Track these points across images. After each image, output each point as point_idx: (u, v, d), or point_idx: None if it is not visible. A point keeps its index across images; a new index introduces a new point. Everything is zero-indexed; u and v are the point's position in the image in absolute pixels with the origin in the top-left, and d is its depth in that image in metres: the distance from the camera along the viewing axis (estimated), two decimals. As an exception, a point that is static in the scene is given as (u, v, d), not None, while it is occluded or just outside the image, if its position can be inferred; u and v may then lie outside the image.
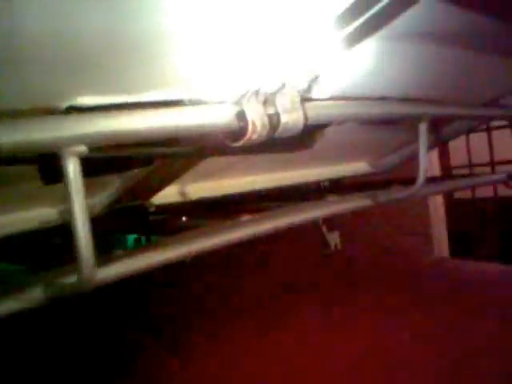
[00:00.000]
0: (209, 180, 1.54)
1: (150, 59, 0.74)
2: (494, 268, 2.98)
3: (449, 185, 1.91)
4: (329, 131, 1.48)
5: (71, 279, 0.74)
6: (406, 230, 3.81)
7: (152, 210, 1.40)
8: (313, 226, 2.94)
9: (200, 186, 1.52)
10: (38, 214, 1.17)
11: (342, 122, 1.05)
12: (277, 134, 0.87)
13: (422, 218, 3.84)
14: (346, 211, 1.26)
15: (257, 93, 0.79)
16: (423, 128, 1.22)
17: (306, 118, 0.90)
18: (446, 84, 1.34)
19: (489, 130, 3.54)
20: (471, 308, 2.23)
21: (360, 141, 1.69)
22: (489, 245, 3.67)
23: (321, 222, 2.91)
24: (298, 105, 0.87)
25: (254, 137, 0.81)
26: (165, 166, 1.15)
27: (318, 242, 3.12)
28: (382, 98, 1.13)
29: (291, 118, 0.86)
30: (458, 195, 4.10)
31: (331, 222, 3.06)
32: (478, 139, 3.65)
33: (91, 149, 0.66)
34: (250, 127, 0.79)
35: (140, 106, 0.76)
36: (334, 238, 2.96)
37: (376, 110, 1.08)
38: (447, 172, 3.76)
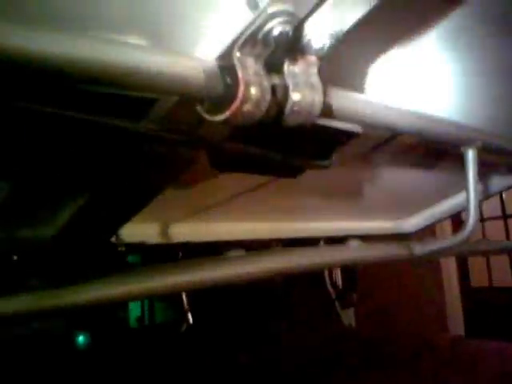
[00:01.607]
0: (198, 220, 1.24)
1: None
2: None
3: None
4: (351, 170, 1.21)
5: None
6: (422, 306, 3.67)
7: (121, 249, 1.09)
8: (325, 303, 2.65)
9: (186, 228, 1.23)
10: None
11: (372, 127, 0.77)
12: (282, 118, 0.59)
13: (438, 297, 3.78)
14: (371, 261, 0.96)
15: (254, 40, 0.52)
16: (472, 155, 0.93)
17: (325, 105, 0.63)
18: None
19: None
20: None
21: (390, 188, 1.40)
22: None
23: (334, 295, 2.58)
24: (316, 81, 0.60)
25: (247, 108, 0.53)
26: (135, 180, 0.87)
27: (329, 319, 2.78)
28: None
29: (305, 96, 0.59)
30: (475, 284, 3.91)
31: (345, 299, 2.77)
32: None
33: None
34: (240, 88, 0.52)
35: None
36: (348, 316, 2.60)
37: (419, 123, 0.80)
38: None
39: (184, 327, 2.37)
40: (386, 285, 3.63)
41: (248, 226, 1.34)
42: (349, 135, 0.79)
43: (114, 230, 1.03)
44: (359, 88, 0.78)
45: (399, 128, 0.75)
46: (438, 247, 1.00)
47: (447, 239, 1.00)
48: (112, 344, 2.71)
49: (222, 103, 0.53)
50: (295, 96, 0.58)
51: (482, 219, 3.89)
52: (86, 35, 0.47)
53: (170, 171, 0.73)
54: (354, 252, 0.94)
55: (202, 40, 0.54)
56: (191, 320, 2.35)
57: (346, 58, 0.71)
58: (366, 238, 1.45)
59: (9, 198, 0.90)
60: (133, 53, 0.48)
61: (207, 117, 0.54)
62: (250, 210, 1.29)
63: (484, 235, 3.79)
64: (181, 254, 1.29)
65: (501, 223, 3.86)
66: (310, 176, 1.00)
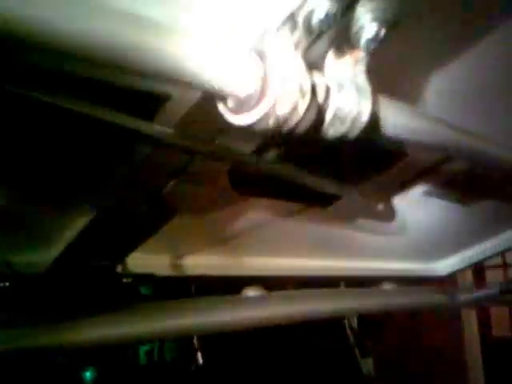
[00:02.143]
0: (213, 253, 1.12)
1: None
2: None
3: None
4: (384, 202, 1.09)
5: None
6: (441, 354, 3.43)
7: (127, 280, 0.98)
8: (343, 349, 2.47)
9: (200, 260, 1.11)
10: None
11: (426, 147, 0.65)
12: (322, 127, 0.48)
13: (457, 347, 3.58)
14: (407, 307, 0.82)
15: (293, 23, 0.42)
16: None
17: (374, 115, 0.52)
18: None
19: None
20: None
21: (423, 225, 1.27)
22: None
23: (354, 343, 2.40)
24: (364, 83, 0.49)
25: (281, 110, 0.42)
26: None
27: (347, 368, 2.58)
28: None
29: (350, 101, 0.48)
30: (496, 333, 3.73)
31: (365, 347, 2.59)
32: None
33: None
34: (274, 82, 0.41)
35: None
36: (367, 365, 2.42)
37: (482, 146, 0.67)
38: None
39: (194, 366, 2.22)
40: (404, 330, 3.44)
41: (268, 261, 1.22)
42: (396, 156, 0.67)
43: (120, 258, 0.92)
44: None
45: (459, 150, 0.64)
46: (485, 294, 0.87)
47: (495, 285, 0.86)
48: (120, 381, 2.55)
49: (250, 102, 0.43)
50: (339, 100, 0.48)
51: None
52: None
53: (184, 190, 0.62)
54: (389, 297, 0.81)
55: (231, 24, 0.44)
56: (201, 360, 2.19)
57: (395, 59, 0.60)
58: (396, 281, 1.31)
59: (4, 217, 0.80)
60: (137, 27, 0.37)
61: (230, 118, 0.44)
62: (270, 243, 1.17)
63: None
64: (194, 288, 1.17)
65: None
66: (340, 206, 0.88)
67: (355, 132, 0.50)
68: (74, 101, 0.41)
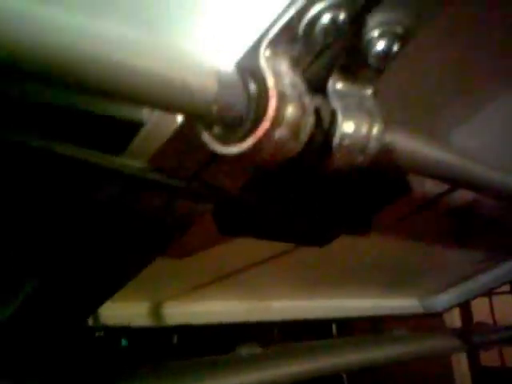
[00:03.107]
0: (195, 299, 1.02)
1: None
2: None
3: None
4: (379, 237, 1.02)
5: None
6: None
7: (99, 334, 0.87)
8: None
9: (181, 308, 1.00)
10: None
11: (433, 177, 0.58)
12: (328, 156, 0.40)
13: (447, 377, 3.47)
14: (420, 355, 0.73)
15: (292, 33, 0.35)
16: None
17: (386, 142, 0.44)
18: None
19: None
20: None
21: (417, 259, 1.20)
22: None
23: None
24: (373, 106, 0.42)
25: (281, 135, 0.34)
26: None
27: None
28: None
29: (360, 127, 0.40)
30: (485, 362, 3.65)
31: None
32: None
33: None
34: (271, 102, 0.33)
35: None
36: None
37: (491, 176, 0.60)
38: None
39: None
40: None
41: (256, 306, 1.12)
42: (400, 191, 0.60)
43: (90, 310, 0.81)
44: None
45: (470, 181, 0.57)
46: (500, 336, 0.79)
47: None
48: None
49: (242, 128, 0.35)
50: (346, 125, 0.40)
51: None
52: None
53: (161, 235, 0.53)
54: (400, 346, 0.73)
55: (216, 34, 0.36)
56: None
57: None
58: (400, 324, 1.23)
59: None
60: (102, 40, 0.29)
61: (217, 147, 0.35)
62: (259, 286, 1.08)
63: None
64: (176, 339, 1.06)
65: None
66: (333, 244, 0.80)
67: (365, 161, 0.43)
68: (17, 132, 0.32)
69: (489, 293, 3.54)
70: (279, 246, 0.90)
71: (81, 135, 0.35)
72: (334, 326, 1.59)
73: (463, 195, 0.83)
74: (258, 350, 0.62)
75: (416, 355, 0.75)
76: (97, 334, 0.87)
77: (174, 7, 0.36)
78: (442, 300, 1.51)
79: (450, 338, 0.79)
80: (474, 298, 1.46)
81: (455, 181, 0.59)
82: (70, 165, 0.38)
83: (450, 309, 1.52)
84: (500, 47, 0.56)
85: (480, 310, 3.43)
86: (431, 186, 0.80)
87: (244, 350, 0.62)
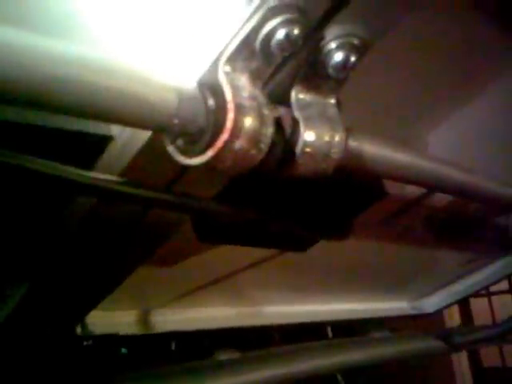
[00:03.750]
0: (184, 306, 1.03)
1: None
2: None
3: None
4: (363, 241, 1.04)
5: None
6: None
7: (88, 343, 0.88)
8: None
9: (170, 315, 1.02)
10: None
11: (408, 182, 0.59)
12: (291, 164, 0.42)
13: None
14: (401, 356, 0.75)
15: (249, 49, 0.36)
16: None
17: (348, 150, 0.46)
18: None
19: None
20: None
21: (405, 261, 1.22)
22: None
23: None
24: (335, 115, 0.44)
25: (240, 145, 0.36)
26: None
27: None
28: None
29: (321, 135, 0.42)
30: (487, 363, 3.65)
31: None
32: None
33: None
34: (229, 115, 0.35)
35: None
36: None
37: (467, 179, 0.62)
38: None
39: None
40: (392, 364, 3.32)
41: (245, 311, 1.13)
42: (376, 195, 0.62)
43: (77, 317, 0.82)
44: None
45: (442, 184, 0.58)
46: (483, 336, 0.80)
47: (495, 326, 0.80)
48: None
49: (203, 140, 0.36)
50: (308, 134, 0.42)
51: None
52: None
53: (139, 243, 0.54)
54: (380, 347, 0.74)
55: (178, 52, 0.38)
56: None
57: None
58: (384, 324, 1.24)
59: None
60: (66, 60, 0.31)
61: (181, 160, 0.37)
62: (246, 291, 1.09)
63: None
64: (164, 347, 1.07)
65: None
66: (319, 248, 0.82)
67: (329, 168, 0.44)
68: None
69: (487, 292, 3.55)
70: (265, 252, 0.92)
71: (53, 151, 0.36)
72: (329, 329, 1.60)
73: (444, 196, 0.85)
74: (236, 354, 0.63)
75: (395, 357, 0.76)
76: (85, 343, 0.88)
77: (137, 25, 0.38)
78: (431, 301, 1.53)
79: (431, 340, 0.80)
80: (463, 299, 1.48)
81: (426, 184, 0.61)
82: (44, 179, 0.40)
83: (440, 310, 1.54)
84: (462, 59, 0.58)
85: (481, 308, 3.44)
86: (412, 189, 0.81)
87: (221, 355, 0.63)
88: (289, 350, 0.69)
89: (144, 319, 0.98)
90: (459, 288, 1.48)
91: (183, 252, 0.86)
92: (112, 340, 0.90)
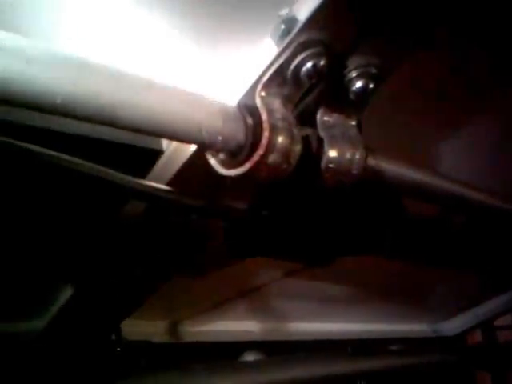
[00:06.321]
0: (210, 318, 1.09)
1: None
2: None
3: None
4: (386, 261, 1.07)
5: None
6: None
7: (118, 349, 0.93)
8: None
9: (197, 326, 1.07)
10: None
11: (429, 200, 0.64)
12: (318, 177, 0.48)
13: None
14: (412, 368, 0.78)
15: (282, 77, 0.43)
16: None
17: (368, 167, 0.52)
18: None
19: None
20: None
21: (429, 284, 1.24)
22: None
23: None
24: (355, 135, 0.50)
25: (273, 159, 0.42)
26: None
27: None
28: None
29: (343, 152, 0.48)
30: None
31: None
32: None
33: None
34: (265, 134, 0.41)
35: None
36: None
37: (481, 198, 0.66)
38: None
39: None
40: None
41: (268, 326, 1.18)
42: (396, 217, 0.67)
43: (113, 325, 0.88)
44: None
45: (460, 204, 0.63)
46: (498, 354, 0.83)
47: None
48: None
49: (241, 154, 0.43)
50: (332, 151, 0.48)
51: None
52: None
53: (184, 251, 0.60)
54: (399, 358, 0.78)
55: (222, 79, 0.45)
56: None
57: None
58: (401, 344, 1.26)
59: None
60: (130, 85, 0.38)
61: (222, 171, 0.43)
62: (271, 306, 1.14)
63: None
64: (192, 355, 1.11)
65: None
66: (342, 265, 0.86)
67: (352, 181, 0.50)
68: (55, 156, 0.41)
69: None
70: (290, 267, 0.96)
71: (114, 161, 0.43)
72: (349, 349, 1.62)
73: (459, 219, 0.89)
74: (261, 356, 0.67)
75: (407, 368, 0.79)
76: (118, 349, 0.94)
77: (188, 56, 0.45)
78: (452, 324, 1.54)
79: (442, 356, 0.83)
80: (485, 322, 1.49)
81: (443, 203, 0.65)
82: (100, 185, 0.46)
83: (461, 333, 1.55)
84: (474, 80, 0.63)
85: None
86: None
87: (248, 356, 0.68)
88: (312, 355, 0.73)
89: (174, 329, 1.03)
90: (481, 311, 1.49)
91: (213, 265, 0.91)
92: (144, 347, 0.96)
